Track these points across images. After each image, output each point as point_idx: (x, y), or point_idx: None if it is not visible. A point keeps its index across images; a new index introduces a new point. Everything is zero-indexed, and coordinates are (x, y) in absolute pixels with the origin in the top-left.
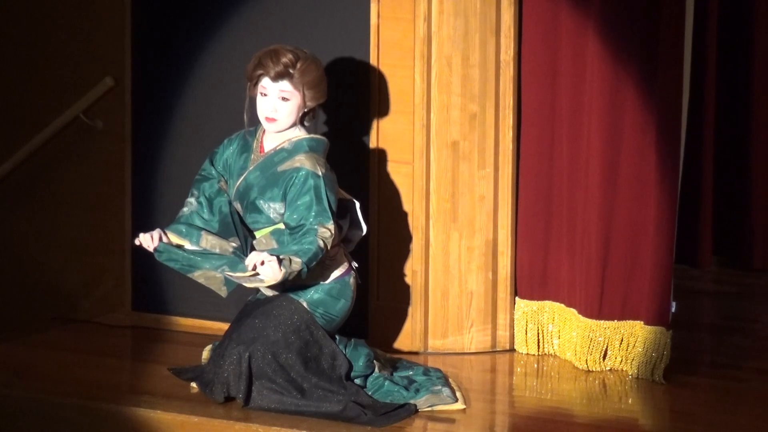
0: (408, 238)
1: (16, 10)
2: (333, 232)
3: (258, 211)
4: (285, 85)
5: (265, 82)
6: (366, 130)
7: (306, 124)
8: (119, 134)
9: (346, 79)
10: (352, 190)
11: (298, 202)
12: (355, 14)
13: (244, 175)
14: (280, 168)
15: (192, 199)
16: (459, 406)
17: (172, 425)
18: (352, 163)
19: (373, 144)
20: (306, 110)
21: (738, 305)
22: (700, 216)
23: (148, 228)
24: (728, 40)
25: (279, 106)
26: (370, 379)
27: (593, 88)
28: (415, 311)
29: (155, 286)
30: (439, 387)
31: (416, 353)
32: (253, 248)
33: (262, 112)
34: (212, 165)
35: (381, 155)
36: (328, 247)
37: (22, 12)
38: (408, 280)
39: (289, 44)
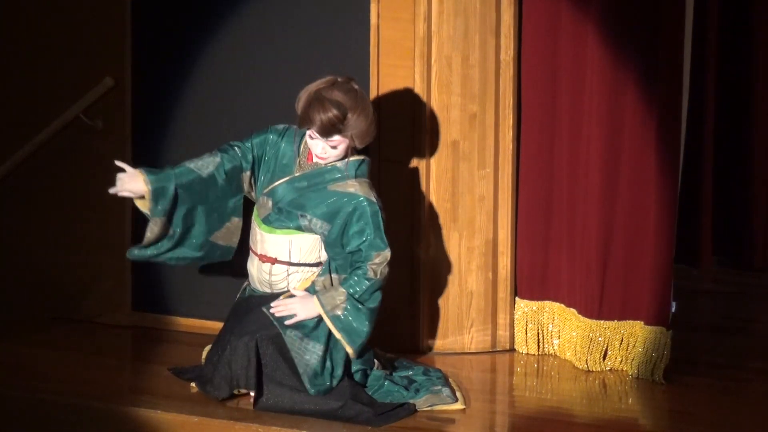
0: (408, 238)
1: (16, 10)
2: (387, 257)
3: (290, 217)
4: (334, 137)
5: (314, 133)
6: None
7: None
8: (119, 134)
9: None
10: None
11: (362, 231)
12: (355, 14)
13: (287, 178)
14: (331, 187)
15: (216, 158)
16: (459, 406)
17: (172, 425)
18: None
19: (373, 144)
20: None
21: (738, 305)
22: (700, 216)
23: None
24: (728, 39)
25: (329, 151)
26: (371, 378)
27: (593, 88)
28: (415, 311)
29: (155, 286)
30: (439, 387)
31: (416, 353)
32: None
33: (312, 150)
34: (251, 150)
35: (381, 155)
36: (384, 274)
37: (22, 12)
38: (408, 280)
39: (324, 76)
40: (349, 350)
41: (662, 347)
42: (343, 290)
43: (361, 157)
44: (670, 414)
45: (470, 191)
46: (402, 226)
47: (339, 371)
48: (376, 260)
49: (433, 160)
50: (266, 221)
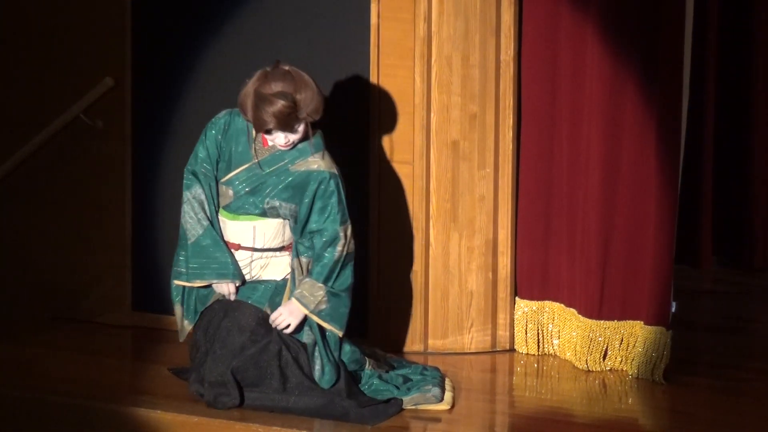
0: (408, 238)
1: (17, 11)
2: (349, 229)
3: (254, 204)
4: (295, 125)
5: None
6: (366, 130)
7: None
8: (119, 134)
9: (346, 80)
10: (352, 191)
11: (325, 207)
12: (355, 14)
13: (245, 166)
14: (293, 167)
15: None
16: (443, 406)
17: (172, 425)
18: (352, 163)
19: (373, 144)
20: None
21: (738, 305)
22: (700, 216)
23: (148, 227)
24: (728, 39)
25: (291, 137)
26: (363, 377)
27: (593, 88)
28: (415, 311)
29: (155, 286)
30: (430, 387)
31: (416, 353)
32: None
33: (275, 143)
34: (209, 157)
35: (381, 155)
36: (352, 248)
37: (23, 12)
38: (408, 280)
39: (274, 60)
40: (339, 333)
41: (662, 347)
42: (320, 284)
43: (315, 131)
44: (670, 414)
45: (470, 191)
46: (402, 226)
47: (337, 354)
48: (341, 235)
49: (433, 160)
50: (228, 209)
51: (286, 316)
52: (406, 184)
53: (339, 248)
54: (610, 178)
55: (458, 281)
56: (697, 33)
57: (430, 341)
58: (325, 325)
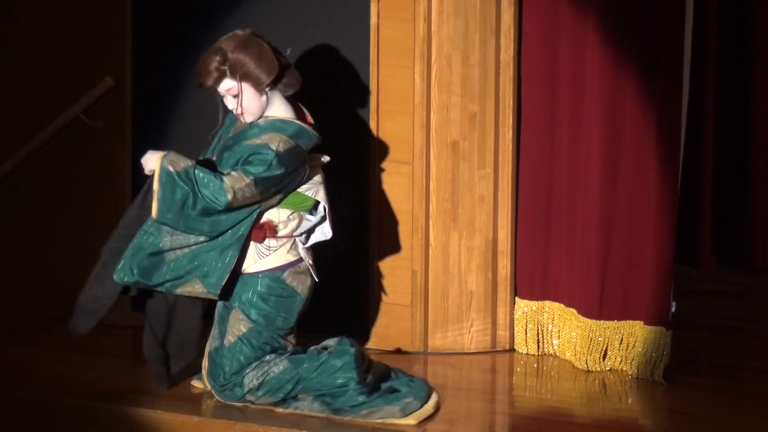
0: (408, 238)
1: (16, 10)
2: (248, 184)
3: None
4: (225, 84)
5: (217, 91)
6: (366, 130)
7: (286, 90)
8: (119, 134)
9: (346, 79)
10: (352, 190)
11: (252, 163)
12: (355, 14)
13: (223, 141)
14: (247, 142)
15: None
16: (407, 421)
17: (172, 425)
18: (352, 163)
19: (373, 144)
20: (267, 86)
21: (738, 305)
22: (700, 216)
23: None
24: (728, 40)
25: (234, 102)
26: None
27: (593, 87)
28: (415, 311)
29: None
30: (410, 399)
31: (416, 353)
32: None
33: (229, 107)
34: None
35: (381, 155)
36: (237, 198)
37: (22, 12)
38: (408, 280)
39: (230, 38)
40: (153, 212)
41: (662, 347)
42: (192, 164)
43: (283, 117)
44: (670, 414)
45: (470, 191)
46: (402, 227)
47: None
48: (237, 176)
49: (433, 160)
50: None
51: (147, 155)
52: (406, 184)
53: (227, 184)
54: (610, 178)
55: (458, 281)
56: (697, 33)
57: (430, 341)
58: (155, 185)
